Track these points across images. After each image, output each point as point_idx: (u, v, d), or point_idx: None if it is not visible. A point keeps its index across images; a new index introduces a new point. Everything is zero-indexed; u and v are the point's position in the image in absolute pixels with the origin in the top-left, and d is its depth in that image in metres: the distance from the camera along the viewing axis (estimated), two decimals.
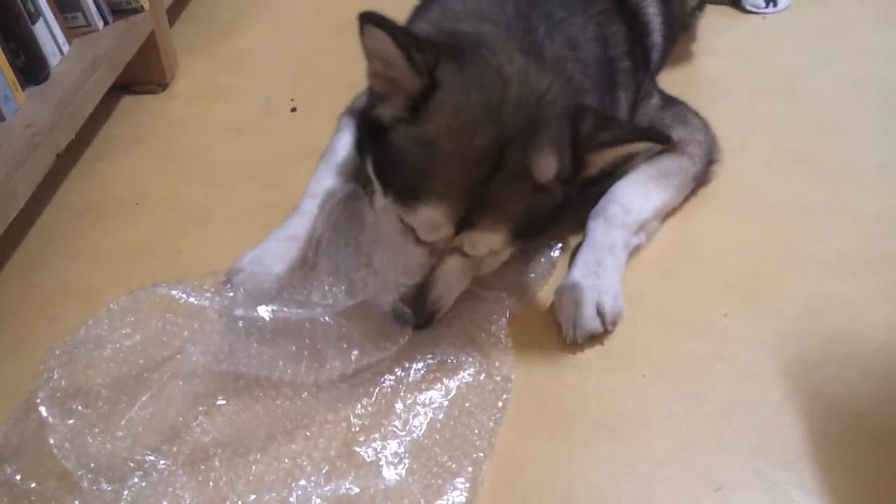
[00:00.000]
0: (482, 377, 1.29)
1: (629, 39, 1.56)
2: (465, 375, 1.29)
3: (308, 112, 1.99)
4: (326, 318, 1.28)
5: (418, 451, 1.19)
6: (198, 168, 1.83)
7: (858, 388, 1.29)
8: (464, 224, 1.25)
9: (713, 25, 2.28)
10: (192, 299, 1.31)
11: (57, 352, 1.23)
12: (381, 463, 1.17)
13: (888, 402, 1.27)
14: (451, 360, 1.31)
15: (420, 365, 1.30)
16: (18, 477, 1.14)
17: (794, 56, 2.18)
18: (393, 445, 1.19)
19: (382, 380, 1.28)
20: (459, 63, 1.25)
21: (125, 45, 1.91)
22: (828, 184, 1.71)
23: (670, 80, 1.85)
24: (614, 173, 1.51)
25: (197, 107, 2.05)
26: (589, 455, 1.21)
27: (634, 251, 1.52)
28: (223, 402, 1.23)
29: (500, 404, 1.25)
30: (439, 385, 1.28)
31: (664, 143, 1.36)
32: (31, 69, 1.66)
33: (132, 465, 1.15)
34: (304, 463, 1.17)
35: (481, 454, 1.18)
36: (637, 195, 1.54)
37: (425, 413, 1.24)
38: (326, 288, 1.32)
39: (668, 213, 1.61)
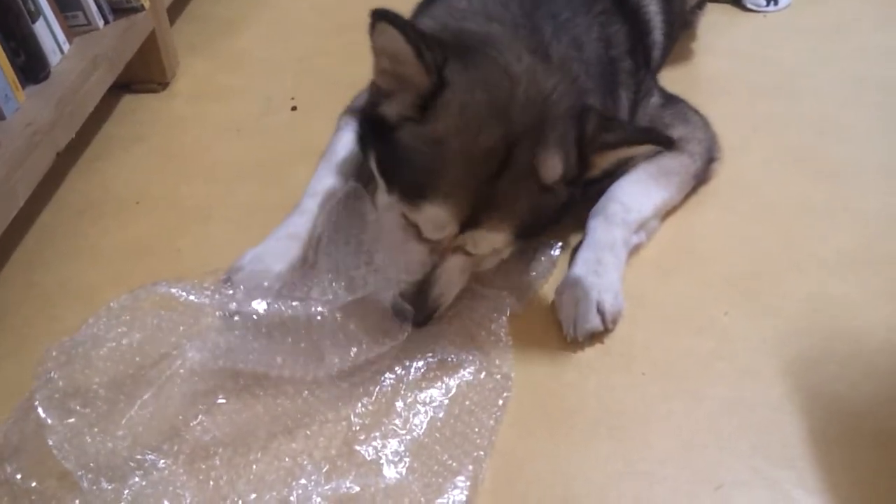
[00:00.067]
0: (482, 375, 1.29)
1: (630, 38, 1.57)
2: (466, 374, 1.29)
3: (308, 112, 1.99)
4: (323, 308, 1.27)
5: (419, 450, 1.19)
6: (198, 167, 1.83)
7: (859, 387, 1.29)
8: (469, 223, 1.25)
9: (714, 24, 2.28)
10: (192, 298, 1.30)
11: (54, 353, 1.23)
12: (381, 461, 1.17)
13: (888, 401, 1.27)
14: (452, 359, 1.31)
15: (420, 363, 1.30)
16: (19, 476, 1.14)
17: (794, 55, 2.17)
18: (393, 444, 1.19)
19: (383, 378, 1.28)
20: (467, 62, 1.24)
21: (125, 44, 1.91)
22: (828, 182, 1.71)
23: (671, 79, 1.85)
24: (615, 172, 1.51)
25: (197, 106, 2.05)
26: (589, 453, 1.21)
27: (635, 250, 1.52)
28: (223, 400, 1.23)
29: (500, 402, 1.26)
30: (440, 383, 1.28)
31: (667, 146, 1.37)
32: (32, 68, 1.66)
33: (132, 464, 1.15)
34: (305, 462, 1.17)
35: (482, 453, 1.18)
36: (637, 193, 1.54)
37: (426, 411, 1.24)
38: (326, 284, 1.32)
39: (668, 212, 1.61)
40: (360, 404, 1.24)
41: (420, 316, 1.30)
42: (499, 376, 1.29)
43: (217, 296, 1.29)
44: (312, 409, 1.23)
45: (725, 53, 2.18)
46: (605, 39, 1.50)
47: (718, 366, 1.34)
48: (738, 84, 2.05)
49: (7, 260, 1.59)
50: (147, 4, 1.97)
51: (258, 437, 1.20)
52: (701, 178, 1.66)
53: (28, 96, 1.63)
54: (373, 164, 1.35)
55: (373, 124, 1.32)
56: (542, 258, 1.51)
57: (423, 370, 1.29)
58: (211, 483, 1.14)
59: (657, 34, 1.73)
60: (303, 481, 1.14)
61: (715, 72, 2.12)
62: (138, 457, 1.16)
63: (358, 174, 1.54)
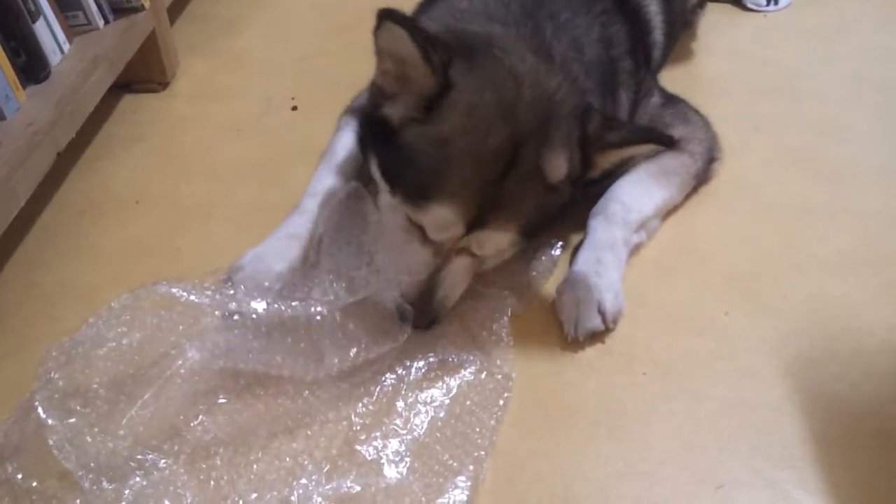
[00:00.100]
0: (483, 375, 1.29)
1: (631, 38, 1.57)
2: (467, 374, 1.29)
3: (308, 112, 1.99)
4: (324, 311, 1.27)
5: (420, 450, 1.19)
6: (198, 167, 1.83)
7: (859, 387, 1.29)
8: (475, 223, 1.24)
9: (714, 24, 2.28)
10: (192, 297, 1.30)
11: (54, 353, 1.23)
12: (382, 461, 1.17)
13: (889, 401, 1.27)
14: (453, 359, 1.31)
15: (421, 363, 1.30)
16: (19, 476, 1.14)
17: (794, 55, 2.17)
18: (394, 444, 1.19)
19: (383, 378, 1.28)
20: (471, 63, 1.24)
21: (126, 43, 1.91)
22: (828, 183, 1.71)
23: (671, 79, 1.85)
24: (615, 172, 1.51)
25: (197, 106, 2.05)
26: (589, 453, 1.21)
27: (635, 249, 1.52)
28: (224, 400, 1.23)
29: (501, 403, 1.26)
30: (440, 383, 1.28)
31: (668, 145, 1.37)
32: (32, 68, 1.66)
33: (133, 464, 1.15)
34: (306, 461, 1.17)
35: (483, 452, 1.18)
36: (638, 193, 1.54)
37: (426, 411, 1.24)
38: (327, 285, 1.32)
39: (668, 212, 1.61)
40: (360, 404, 1.24)
41: (425, 319, 1.30)
42: (500, 376, 1.29)
43: (217, 296, 1.29)
44: (313, 409, 1.23)
45: (726, 53, 2.18)
46: (606, 40, 1.50)
47: (719, 366, 1.34)
48: (738, 84, 2.05)
49: (8, 260, 1.59)
50: (147, 4, 1.97)
51: (259, 437, 1.20)
52: (701, 178, 1.66)
53: (28, 96, 1.63)
54: (374, 167, 1.34)
55: (374, 126, 1.32)
56: (543, 258, 1.51)
57: (423, 370, 1.29)
58: (212, 483, 1.14)
59: (657, 34, 1.73)
60: (303, 481, 1.14)
61: (715, 72, 2.12)
62: (139, 456, 1.16)
63: (358, 174, 1.54)
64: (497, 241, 1.29)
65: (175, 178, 1.80)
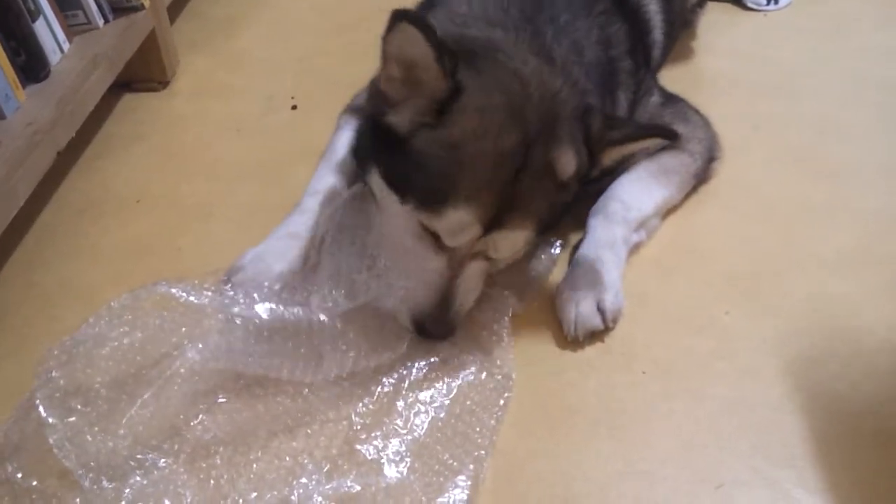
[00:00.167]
0: (484, 375, 1.29)
1: (630, 38, 1.57)
2: (467, 374, 1.29)
3: (308, 111, 1.99)
4: (324, 317, 1.27)
5: (420, 450, 1.19)
6: (199, 166, 1.83)
7: (859, 386, 1.29)
8: (492, 225, 1.24)
9: (714, 23, 2.28)
10: (192, 298, 1.30)
11: (55, 352, 1.23)
12: (382, 461, 1.17)
13: (889, 400, 1.27)
14: (453, 359, 1.31)
15: (422, 363, 1.30)
16: (19, 475, 1.14)
17: (794, 54, 2.17)
18: (394, 444, 1.19)
19: (384, 378, 1.27)
20: (477, 66, 1.24)
21: (126, 42, 1.91)
22: (828, 182, 1.71)
23: (671, 78, 1.85)
24: (615, 170, 1.51)
25: (197, 105, 2.05)
26: (589, 453, 1.21)
27: (635, 248, 1.52)
28: (224, 399, 1.23)
29: (501, 402, 1.26)
30: (441, 383, 1.28)
31: (673, 138, 1.38)
32: (32, 67, 1.66)
33: (133, 463, 1.15)
34: (306, 461, 1.17)
35: (483, 452, 1.18)
36: (637, 192, 1.54)
37: (427, 411, 1.24)
38: (326, 291, 1.32)
39: (668, 211, 1.61)
40: (361, 404, 1.24)
41: (442, 330, 1.30)
42: (500, 376, 1.29)
43: (218, 296, 1.29)
44: (313, 409, 1.23)
45: (726, 52, 2.18)
46: (605, 41, 1.51)
47: (719, 365, 1.34)
48: (738, 83, 2.05)
49: (7, 259, 1.59)
50: (147, 3, 1.97)
51: (259, 437, 1.20)
52: (701, 178, 1.66)
53: (28, 95, 1.63)
54: (374, 178, 1.32)
55: (377, 136, 1.30)
56: (543, 257, 1.51)
57: (424, 370, 1.29)
58: (212, 482, 1.14)
59: (657, 33, 1.73)
60: (304, 480, 1.14)
61: (715, 71, 2.12)
62: (139, 456, 1.16)
63: (359, 174, 1.54)
64: (513, 241, 1.29)
65: (175, 177, 1.80)
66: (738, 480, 1.17)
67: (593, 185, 1.45)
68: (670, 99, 1.71)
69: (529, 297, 1.44)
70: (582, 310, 1.36)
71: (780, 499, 1.15)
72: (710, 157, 1.68)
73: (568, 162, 1.27)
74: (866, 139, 1.85)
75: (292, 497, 1.12)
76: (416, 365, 1.29)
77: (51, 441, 1.14)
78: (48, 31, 1.71)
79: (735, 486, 1.16)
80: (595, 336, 1.37)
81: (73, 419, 1.17)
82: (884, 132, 1.88)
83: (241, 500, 1.13)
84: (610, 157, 1.34)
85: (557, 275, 1.48)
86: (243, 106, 2.03)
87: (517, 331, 1.38)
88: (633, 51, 1.58)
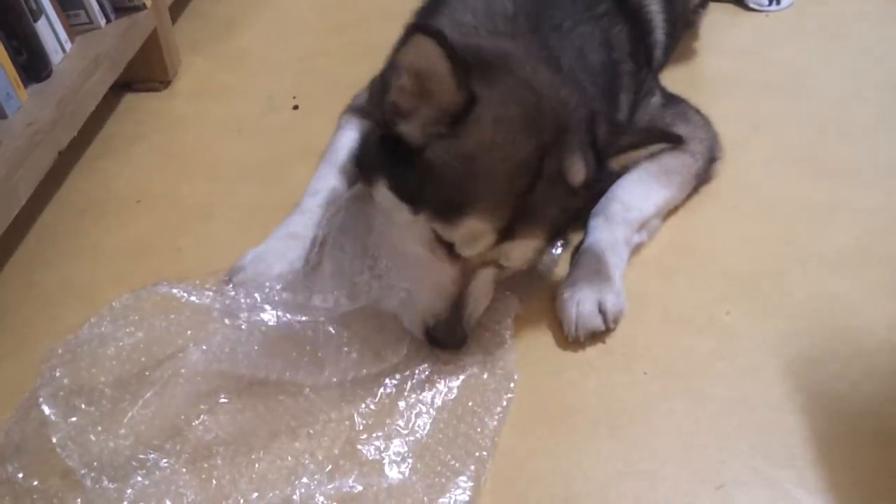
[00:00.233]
0: (485, 376, 1.29)
1: (632, 39, 1.57)
2: (469, 375, 1.29)
3: (309, 111, 2.00)
4: (329, 326, 1.28)
5: (422, 450, 1.19)
6: (199, 166, 1.83)
7: (860, 386, 1.29)
8: (506, 234, 1.24)
9: (716, 23, 2.28)
10: (193, 298, 1.31)
11: (59, 351, 1.23)
12: (384, 461, 1.17)
13: (889, 400, 1.27)
14: (455, 360, 1.31)
15: (423, 364, 1.29)
16: (21, 475, 1.14)
17: (795, 54, 2.18)
18: (396, 444, 1.19)
19: (386, 379, 1.27)
20: (489, 77, 1.24)
21: (127, 42, 1.91)
22: (829, 182, 1.72)
23: (673, 78, 1.85)
24: (616, 171, 1.51)
25: (198, 105, 2.05)
26: (590, 453, 1.21)
27: (636, 249, 1.52)
28: (225, 400, 1.23)
29: (503, 403, 1.25)
30: (442, 384, 1.28)
31: (677, 143, 1.40)
32: (33, 67, 1.66)
33: (135, 463, 1.15)
34: (308, 461, 1.17)
35: (485, 453, 1.18)
36: (638, 193, 1.54)
37: (429, 412, 1.24)
38: (328, 291, 1.32)
39: (669, 211, 1.61)
40: (363, 404, 1.24)
41: (456, 339, 1.29)
42: (502, 377, 1.29)
43: (220, 297, 1.29)
44: (315, 409, 1.23)
45: (727, 53, 2.18)
46: (607, 43, 1.51)
47: (719, 365, 1.34)
48: (739, 83, 2.05)
49: (8, 259, 1.59)
50: (149, 3, 1.97)
51: (260, 437, 1.20)
52: (702, 178, 1.66)
53: (30, 95, 1.63)
54: (381, 188, 1.30)
55: (386, 145, 1.29)
56: (543, 258, 1.51)
57: (426, 371, 1.29)
58: (213, 482, 1.14)
59: (659, 34, 1.73)
60: (305, 480, 1.14)
61: (717, 71, 2.12)
62: (141, 456, 1.16)
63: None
64: (525, 251, 1.29)
65: (176, 177, 1.80)
66: (738, 480, 1.17)
67: (595, 185, 1.45)
68: (671, 99, 1.71)
69: (530, 298, 1.44)
70: (583, 310, 1.36)
71: (781, 499, 1.15)
72: (711, 158, 1.68)
73: (579, 170, 1.28)
74: (867, 139, 1.86)
75: (294, 497, 1.12)
76: (418, 366, 1.29)
77: (54, 440, 1.14)
78: (50, 31, 1.72)
79: (735, 486, 1.16)
80: (596, 336, 1.37)
81: (76, 418, 1.17)
82: (884, 132, 1.88)
83: (242, 500, 1.13)
84: (617, 162, 1.36)
85: (558, 275, 1.48)
86: (244, 106, 2.03)
87: (517, 331, 1.38)
88: (635, 52, 1.58)
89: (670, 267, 1.52)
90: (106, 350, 1.25)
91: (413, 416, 1.23)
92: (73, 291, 1.51)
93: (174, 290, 1.30)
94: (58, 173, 1.74)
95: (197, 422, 1.21)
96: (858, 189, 1.69)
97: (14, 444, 1.18)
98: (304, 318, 1.28)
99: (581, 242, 1.48)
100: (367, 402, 1.25)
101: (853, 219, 1.62)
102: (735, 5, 2.38)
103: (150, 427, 1.19)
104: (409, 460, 1.17)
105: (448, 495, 1.13)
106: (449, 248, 1.26)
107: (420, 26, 1.16)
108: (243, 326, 1.28)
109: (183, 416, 1.21)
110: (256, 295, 1.32)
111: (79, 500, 1.12)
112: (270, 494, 1.13)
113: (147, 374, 1.24)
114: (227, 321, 1.30)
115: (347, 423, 1.22)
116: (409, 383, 1.27)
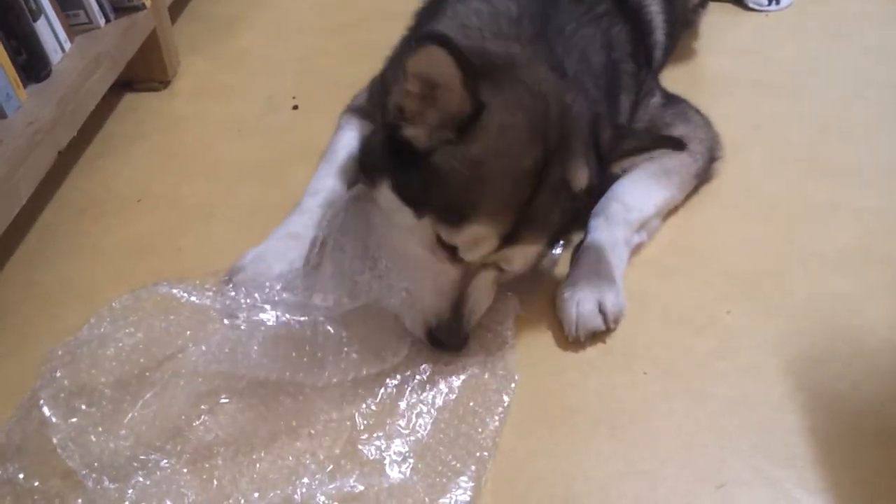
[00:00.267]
0: (486, 377, 1.29)
1: (632, 40, 1.57)
2: (470, 375, 1.29)
3: (309, 111, 1.99)
4: (329, 326, 1.28)
5: (423, 450, 1.19)
6: (199, 166, 1.83)
7: (860, 385, 1.29)
8: (509, 239, 1.24)
9: (716, 23, 2.28)
10: (193, 298, 1.31)
11: (59, 352, 1.23)
12: (385, 461, 1.17)
13: (890, 400, 1.27)
14: (456, 360, 1.31)
15: (425, 365, 1.29)
16: (21, 475, 1.14)
17: (795, 54, 2.18)
18: (397, 444, 1.19)
19: (387, 379, 1.27)
20: (497, 83, 1.24)
21: (127, 42, 1.91)
22: (830, 181, 1.72)
23: (673, 78, 1.85)
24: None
25: (198, 105, 2.05)
26: (590, 453, 1.21)
27: (636, 249, 1.52)
28: (226, 400, 1.23)
29: (504, 404, 1.25)
30: (444, 384, 1.28)
31: (679, 148, 1.40)
32: (33, 66, 1.66)
33: (135, 463, 1.14)
34: (309, 461, 1.17)
35: (485, 453, 1.18)
36: (638, 193, 1.54)
37: (429, 412, 1.24)
38: (328, 291, 1.32)
39: (669, 211, 1.61)
40: (364, 404, 1.24)
41: (457, 339, 1.29)
42: (502, 378, 1.29)
43: (219, 297, 1.29)
44: (316, 409, 1.23)
45: (727, 52, 2.18)
46: (608, 45, 1.52)
47: (720, 365, 1.34)
48: (739, 83, 2.06)
49: (8, 258, 1.59)
50: (148, 3, 1.97)
51: (261, 437, 1.20)
52: (702, 178, 1.66)
53: (29, 95, 1.63)
54: (384, 191, 1.30)
55: (390, 148, 1.29)
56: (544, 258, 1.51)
57: (427, 371, 1.29)
58: (214, 482, 1.14)
59: (659, 34, 1.74)
60: (306, 480, 1.14)
61: (717, 71, 2.12)
62: (141, 456, 1.15)
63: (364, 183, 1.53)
64: (526, 255, 1.30)
65: (176, 177, 1.80)
66: (738, 480, 1.17)
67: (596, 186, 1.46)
68: (671, 99, 1.71)
69: (530, 298, 1.44)
70: (583, 310, 1.36)
71: (781, 498, 1.15)
72: (712, 157, 1.68)
73: (583, 176, 1.28)
74: (867, 138, 1.86)
75: (295, 497, 1.12)
76: (420, 366, 1.29)
77: (54, 441, 1.14)
78: (49, 31, 1.71)
79: (736, 486, 1.16)
80: (596, 336, 1.37)
81: (76, 419, 1.17)
82: (885, 131, 1.89)
83: (243, 500, 1.12)
84: (620, 166, 1.38)
85: (558, 275, 1.48)
86: (244, 106, 2.03)
87: (518, 331, 1.38)
88: (635, 53, 1.58)
89: (670, 267, 1.52)
90: (106, 351, 1.25)
91: (414, 416, 1.23)
92: (74, 291, 1.51)
93: (174, 291, 1.30)
94: (58, 173, 1.74)
95: (197, 422, 1.20)
96: (859, 188, 1.70)
97: (15, 444, 1.18)
98: (304, 318, 1.28)
99: (581, 242, 1.48)
100: (368, 402, 1.25)
101: (854, 218, 1.62)
102: (734, 5, 2.39)
103: (151, 427, 1.19)
104: (410, 460, 1.17)
105: (449, 495, 1.13)
106: (451, 251, 1.26)
107: (430, 35, 1.16)
108: (243, 326, 1.28)
109: (183, 417, 1.21)
110: (256, 295, 1.32)
111: (80, 500, 1.12)
112: (271, 494, 1.13)
113: (147, 374, 1.24)
114: (226, 321, 1.30)
115: (348, 422, 1.22)
116: (410, 383, 1.27)
